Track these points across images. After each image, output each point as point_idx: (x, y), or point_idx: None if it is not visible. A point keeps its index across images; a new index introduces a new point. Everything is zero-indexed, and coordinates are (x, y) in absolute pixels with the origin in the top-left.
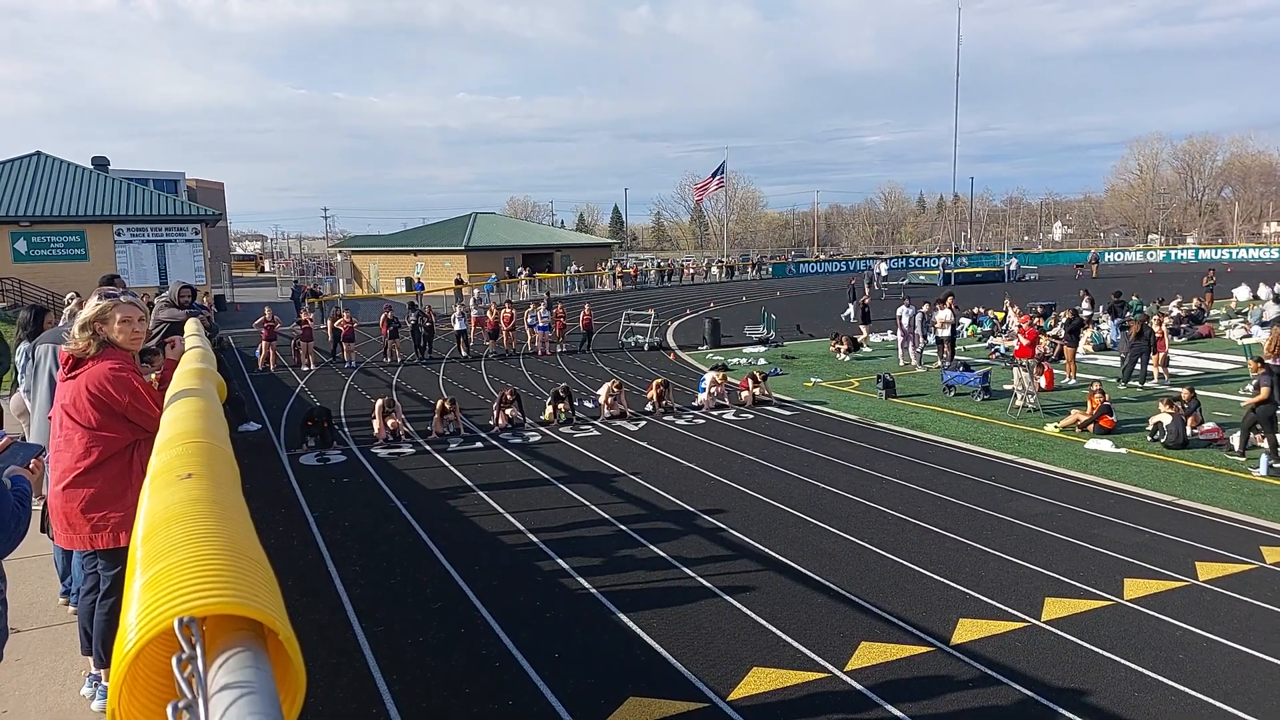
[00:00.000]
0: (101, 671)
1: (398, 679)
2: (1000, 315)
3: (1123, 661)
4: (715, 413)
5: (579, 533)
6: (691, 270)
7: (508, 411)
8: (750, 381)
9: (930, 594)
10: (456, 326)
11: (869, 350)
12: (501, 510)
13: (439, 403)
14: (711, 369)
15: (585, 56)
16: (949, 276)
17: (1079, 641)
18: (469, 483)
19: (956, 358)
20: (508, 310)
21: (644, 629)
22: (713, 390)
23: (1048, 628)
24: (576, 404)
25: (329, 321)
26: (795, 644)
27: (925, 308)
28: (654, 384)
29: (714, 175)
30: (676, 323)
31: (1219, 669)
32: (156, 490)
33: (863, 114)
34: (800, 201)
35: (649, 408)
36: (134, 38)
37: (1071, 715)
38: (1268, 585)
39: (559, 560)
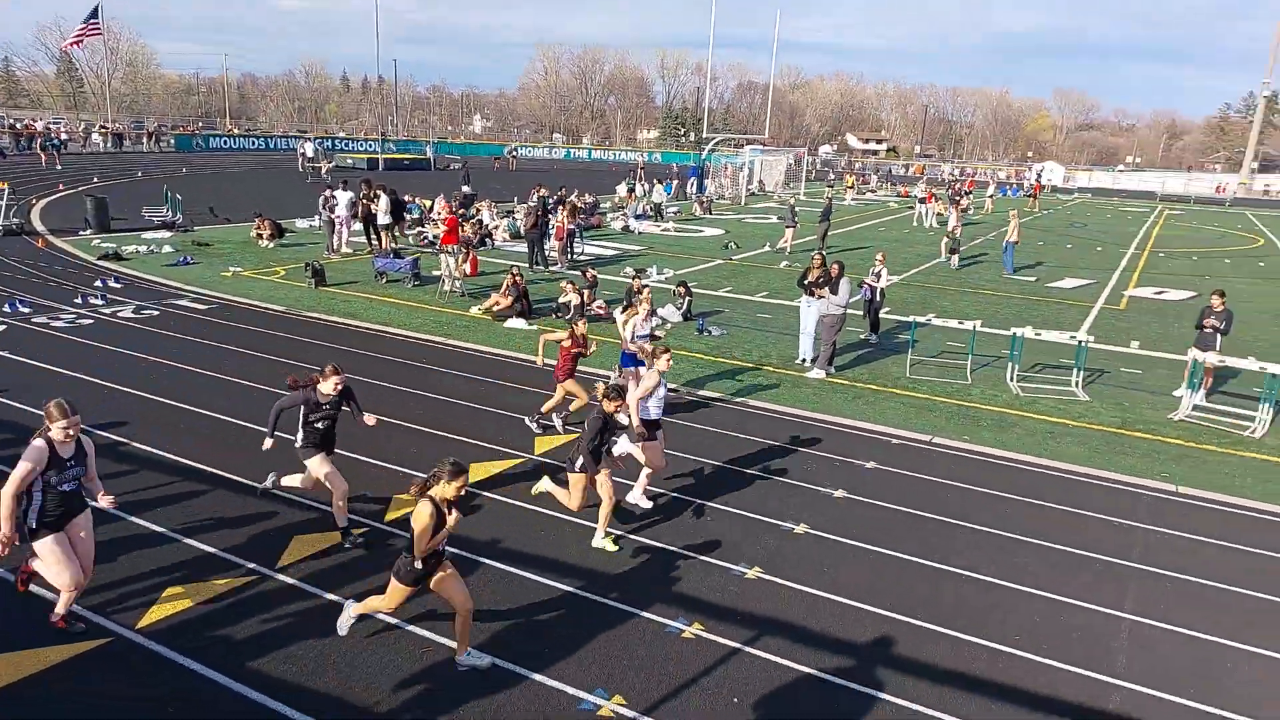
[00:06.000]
0: None
1: None
2: (428, 204)
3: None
4: (109, 311)
5: None
6: (65, 136)
7: None
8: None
9: (357, 475)
10: None
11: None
12: None
13: None
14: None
15: None
16: (374, 162)
17: (496, 497)
18: None
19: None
20: None
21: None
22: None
23: (482, 493)
24: None
25: None
26: (219, 552)
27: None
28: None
29: (86, 22)
30: (45, 200)
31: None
32: None
33: None
34: (206, 66)
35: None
36: None
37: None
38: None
39: None
